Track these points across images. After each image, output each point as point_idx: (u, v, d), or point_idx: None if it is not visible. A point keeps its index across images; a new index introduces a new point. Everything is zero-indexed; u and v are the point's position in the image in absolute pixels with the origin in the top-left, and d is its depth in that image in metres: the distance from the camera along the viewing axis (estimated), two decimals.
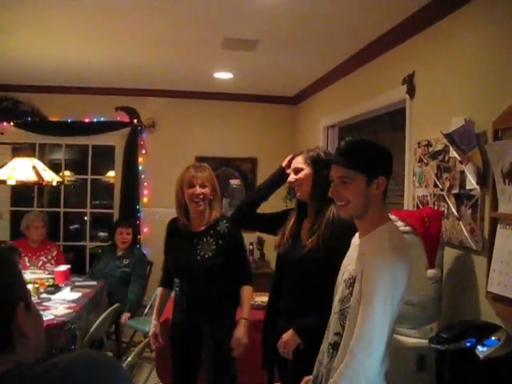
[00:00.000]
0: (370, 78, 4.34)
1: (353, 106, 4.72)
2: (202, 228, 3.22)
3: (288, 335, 2.57)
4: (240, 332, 3.13)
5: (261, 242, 6.58)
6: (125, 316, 4.99)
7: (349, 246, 2.14)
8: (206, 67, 5.23)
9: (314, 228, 2.59)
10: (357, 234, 2.08)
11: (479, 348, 2.30)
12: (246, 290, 3.25)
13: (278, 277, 2.81)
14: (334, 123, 5.46)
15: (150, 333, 3.30)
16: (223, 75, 5.48)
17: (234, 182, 6.81)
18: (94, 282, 4.85)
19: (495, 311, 2.53)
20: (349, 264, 2.02)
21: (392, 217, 2.87)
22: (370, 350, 1.77)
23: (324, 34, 3.96)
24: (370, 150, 1.98)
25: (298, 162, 2.72)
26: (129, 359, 2.99)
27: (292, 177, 2.72)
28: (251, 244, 6.55)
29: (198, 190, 3.12)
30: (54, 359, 0.97)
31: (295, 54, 4.59)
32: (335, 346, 1.94)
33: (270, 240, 6.37)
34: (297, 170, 2.70)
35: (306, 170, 2.66)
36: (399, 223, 2.83)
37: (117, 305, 4.26)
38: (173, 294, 3.49)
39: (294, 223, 2.77)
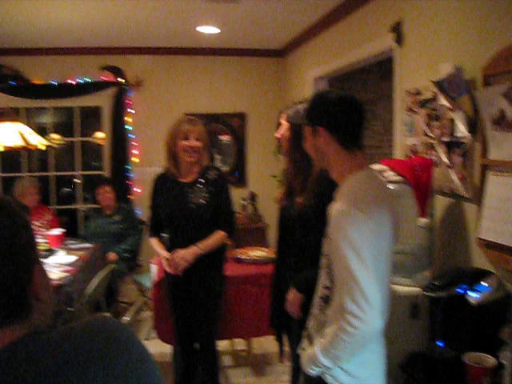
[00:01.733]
0: (358, 27, 4.26)
1: (341, 57, 4.65)
2: (192, 178, 3.30)
3: (290, 294, 2.57)
4: (186, 252, 3.19)
5: (253, 197, 6.58)
6: (112, 256, 5.03)
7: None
8: (189, 21, 5.11)
9: (301, 186, 2.58)
10: None
11: (471, 294, 2.33)
12: (218, 233, 3.29)
13: (281, 232, 2.80)
14: (323, 74, 5.37)
15: (163, 258, 3.32)
16: (208, 29, 5.37)
17: (224, 138, 6.78)
18: (89, 245, 4.86)
19: (486, 257, 2.56)
20: None
21: (382, 166, 2.88)
22: (366, 306, 1.70)
23: None
24: (316, 102, 1.96)
25: (282, 117, 2.70)
26: (127, 318, 3.02)
27: (277, 132, 2.71)
28: (244, 199, 6.56)
29: (193, 142, 3.21)
30: (67, 325, 0.97)
31: (281, 3, 4.49)
32: (326, 300, 1.94)
33: (263, 195, 6.46)
34: (280, 127, 2.69)
35: (284, 126, 2.64)
36: (389, 173, 2.83)
37: (113, 266, 4.27)
38: None
39: (289, 179, 2.75)
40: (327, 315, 1.91)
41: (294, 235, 2.64)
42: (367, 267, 1.72)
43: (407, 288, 2.79)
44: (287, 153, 2.68)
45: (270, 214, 6.45)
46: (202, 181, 3.29)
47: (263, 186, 6.51)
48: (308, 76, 5.66)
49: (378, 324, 1.75)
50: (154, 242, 3.43)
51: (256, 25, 5.30)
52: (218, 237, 3.28)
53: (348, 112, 1.91)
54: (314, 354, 1.86)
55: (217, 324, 3.47)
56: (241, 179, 6.70)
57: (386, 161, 2.99)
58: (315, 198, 2.48)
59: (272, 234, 6.28)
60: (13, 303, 0.93)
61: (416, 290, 2.71)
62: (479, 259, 2.62)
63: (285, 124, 2.64)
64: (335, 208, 1.85)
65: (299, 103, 2.72)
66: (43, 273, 1.02)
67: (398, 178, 2.78)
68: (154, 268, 4.30)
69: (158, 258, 4.03)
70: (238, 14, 4.79)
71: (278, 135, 2.71)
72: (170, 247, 3.33)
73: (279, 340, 2.91)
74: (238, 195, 6.04)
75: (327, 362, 1.82)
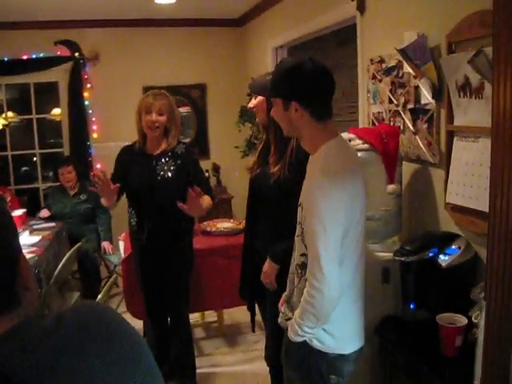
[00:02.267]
0: None
1: (301, 26, 4.62)
2: (160, 151, 3.29)
3: (266, 266, 2.58)
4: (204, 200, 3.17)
5: (217, 169, 6.57)
6: (107, 245, 5.09)
7: None
8: None
9: (278, 156, 2.57)
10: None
11: (441, 257, 2.41)
12: (207, 198, 3.26)
13: (253, 201, 2.79)
14: (283, 44, 5.35)
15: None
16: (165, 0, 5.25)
17: (184, 110, 6.71)
18: (53, 223, 4.79)
19: (454, 221, 2.63)
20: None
21: (350, 135, 2.91)
22: (324, 282, 1.79)
23: None
24: (285, 74, 1.94)
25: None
26: (99, 297, 3.01)
27: (251, 102, 2.67)
28: (207, 171, 6.52)
29: (155, 117, 3.19)
30: (55, 313, 0.96)
31: None
32: (303, 266, 1.99)
33: (226, 166, 6.44)
34: (255, 96, 2.65)
35: (260, 96, 2.62)
36: (357, 141, 2.86)
37: (79, 243, 4.22)
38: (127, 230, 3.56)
39: (262, 148, 2.72)
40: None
41: (268, 205, 2.63)
42: (330, 241, 1.80)
43: (378, 253, 2.85)
44: (264, 123, 2.63)
45: (235, 186, 6.46)
46: (169, 154, 3.27)
47: (226, 157, 6.48)
48: (268, 45, 5.62)
49: (334, 294, 1.82)
50: None
51: None
52: (208, 201, 3.25)
53: (321, 84, 1.93)
54: (295, 323, 1.93)
55: (188, 297, 3.50)
56: (203, 151, 6.65)
57: (353, 129, 3.02)
58: (293, 167, 2.45)
59: (237, 205, 6.30)
60: (3, 294, 0.92)
61: (386, 255, 2.76)
62: (447, 223, 2.69)
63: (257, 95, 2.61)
64: (309, 179, 1.88)
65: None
66: (26, 261, 1.01)
67: (366, 145, 2.81)
68: (121, 244, 4.28)
69: (125, 234, 4.01)
70: None
71: (251, 105, 2.66)
72: (137, 220, 3.32)
73: (252, 310, 2.94)
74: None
75: (307, 328, 1.89)
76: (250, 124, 5.90)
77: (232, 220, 4.57)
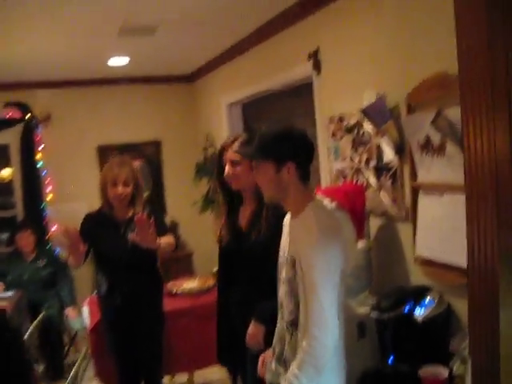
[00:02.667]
0: (275, 54, 4.30)
1: (256, 83, 4.71)
2: (128, 216, 3.30)
3: (252, 328, 2.58)
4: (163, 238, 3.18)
5: (175, 225, 6.54)
6: (71, 311, 4.88)
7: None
8: (101, 54, 5.01)
9: (256, 215, 2.60)
10: (288, 214, 2.19)
11: (417, 311, 2.48)
12: (168, 236, 3.29)
13: (227, 268, 2.81)
14: (237, 100, 5.46)
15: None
16: (119, 60, 5.28)
17: (136, 163, 6.68)
18: (10, 293, 4.59)
19: (424, 274, 2.71)
20: (286, 244, 2.15)
21: (317, 195, 2.98)
22: (326, 331, 1.90)
23: (225, 10, 3.82)
24: (279, 137, 2.04)
25: (234, 154, 2.63)
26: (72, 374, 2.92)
27: (229, 169, 2.63)
28: None
29: (121, 189, 3.22)
30: None
31: (195, 33, 4.48)
32: (293, 323, 2.06)
33: (185, 222, 6.41)
34: (234, 163, 2.63)
35: (244, 164, 2.58)
36: (326, 200, 2.93)
37: (41, 315, 4.08)
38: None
39: (229, 214, 2.76)
40: (298, 338, 2.01)
41: (246, 268, 2.65)
42: (330, 292, 1.91)
43: (351, 308, 2.89)
44: (248, 187, 2.63)
45: (194, 241, 6.45)
46: None
47: (184, 213, 6.46)
48: (222, 101, 5.70)
49: (333, 344, 1.92)
50: None
51: (166, 52, 5.24)
52: (169, 238, 3.26)
53: (309, 147, 2.08)
54: (291, 376, 1.96)
55: (161, 360, 3.45)
56: (160, 208, 6.63)
57: (319, 189, 3.09)
58: (268, 231, 2.51)
59: (198, 261, 6.28)
60: None
61: (360, 309, 2.81)
62: (417, 276, 2.77)
63: (243, 161, 2.57)
64: (301, 238, 1.99)
65: (248, 139, 2.70)
66: None
67: (334, 204, 2.88)
68: (85, 310, 4.18)
69: (90, 299, 3.93)
70: (150, 45, 4.73)
71: (231, 172, 2.62)
72: (108, 286, 3.27)
73: (233, 374, 2.92)
74: None
75: (305, 380, 1.92)
76: (207, 179, 5.94)
77: (197, 278, 4.52)
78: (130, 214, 3.29)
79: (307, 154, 2.07)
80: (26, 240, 5.02)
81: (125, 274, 3.24)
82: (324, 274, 1.90)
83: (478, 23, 1.61)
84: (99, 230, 3.27)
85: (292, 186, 2.03)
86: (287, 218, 2.21)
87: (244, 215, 2.72)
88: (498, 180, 1.59)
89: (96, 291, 3.39)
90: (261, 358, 2.38)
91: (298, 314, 2.02)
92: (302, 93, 4.03)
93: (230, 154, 2.64)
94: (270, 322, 2.43)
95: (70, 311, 4.91)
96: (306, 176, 2.07)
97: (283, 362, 2.16)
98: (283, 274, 2.15)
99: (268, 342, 2.41)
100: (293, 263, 2.05)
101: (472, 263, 1.74)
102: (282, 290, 2.15)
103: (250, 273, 2.65)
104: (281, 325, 2.21)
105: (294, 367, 1.96)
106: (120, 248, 3.21)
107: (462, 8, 1.69)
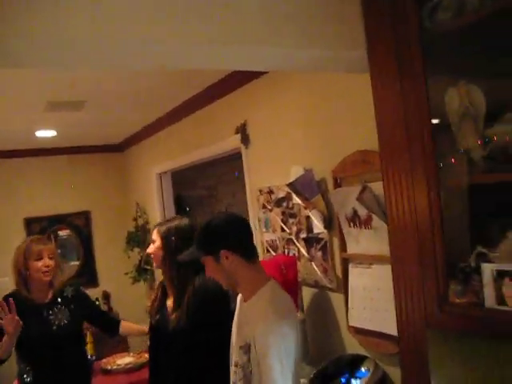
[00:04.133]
0: (204, 126, 4.39)
1: (187, 153, 4.77)
2: (49, 299, 3.20)
3: None
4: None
5: (107, 296, 6.39)
6: None
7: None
8: (28, 127, 4.97)
9: (176, 302, 2.59)
10: (240, 297, 2.19)
11: (353, 382, 2.52)
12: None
13: (154, 349, 2.77)
14: (167, 170, 5.50)
15: None
16: (46, 133, 5.25)
17: (63, 233, 6.56)
18: None
19: (359, 342, 2.76)
20: (239, 328, 2.14)
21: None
22: None
23: (152, 86, 3.90)
24: (203, 234, 2.11)
25: (154, 234, 2.71)
26: None
27: (150, 247, 2.71)
28: (97, 299, 6.32)
29: (48, 261, 3.13)
30: None
31: (123, 108, 4.57)
32: None
33: (117, 292, 6.27)
34: (152, 242, 2.70)
35: (157, 243, 2.65)
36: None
37: None
38: None
39: (159, 294, 2.76)
40: None
41: (170, 354, 2.59)
42: (287, 375, 1.89)
43: None
44: (162, 268, 2.70)
45: (127, 313, 6.27)
46: (60, 301, 3.21)
47: (116, 283, 6.32)
48: (151, 171, 5.73)
49: None
50: None
51: (94, 124, 5.26)
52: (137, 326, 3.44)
53: (238, 227, 2.11)
54: None
55: None
56: (91, 279, 6.47)
57: None
58: (192, 314, 2.49)
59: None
60: None
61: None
62: (352, 345, 2.82)
63: (158, 241, 2.67)
64: (259, 323, 1.97)
65: (172, 219, 2.78)
66: None
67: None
68: None
69: None
70: (76, 117, 4.72)
71: (150, 251, 2.72)
72: (34, 375, 3.07)
73: None
74: (91, 296, 5.82)
75: None
76: (139, 249, 5.89)
77: (131, 353, 4.40)
78: (50, 295, 3.19)
79: (239, 236, 2.09)
80: None
81: (51, 361, 3.05)
82: (280, 358, 1.88)
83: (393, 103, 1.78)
84: (19, 316, 2.91)
85: (239, 269, 2.04)
86: (239, 302, 2.20)
87: (170, 299, 2.70)
88: (420, 243, 1.70)
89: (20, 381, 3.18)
90: None
91: None
92: (233, 157, 4.09)
93: (153, 233, 2.73)
94: None
95: None
96: (249, 253, 2.09)
97: None
98: (234, 358, 2.11)
99: None
100: (247, 348, 2.02)
101: (401, 330, 1.84)
102: (236, 376, 2.10)
103: (172, 359, 2.57)
104: None
105: None
106: (44, 334, 3.06)
107: (380, 92, 1.85)
